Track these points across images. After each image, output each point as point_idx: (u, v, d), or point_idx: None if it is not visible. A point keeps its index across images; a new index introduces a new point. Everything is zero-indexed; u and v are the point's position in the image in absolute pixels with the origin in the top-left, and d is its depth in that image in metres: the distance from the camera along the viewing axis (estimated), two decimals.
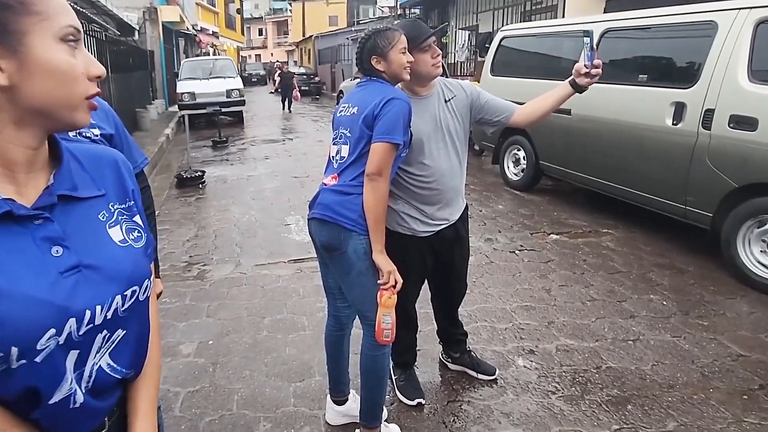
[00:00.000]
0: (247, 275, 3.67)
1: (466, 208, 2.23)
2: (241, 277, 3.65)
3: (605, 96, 4.32)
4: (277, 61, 30.75)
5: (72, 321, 0.67)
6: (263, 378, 2.46)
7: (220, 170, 7.37)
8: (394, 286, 1.77)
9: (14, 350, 0.62)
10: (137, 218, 0.81)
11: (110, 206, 0.77)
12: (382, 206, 1.73)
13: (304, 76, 22.43)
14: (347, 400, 2.12)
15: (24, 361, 0.64)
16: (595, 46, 1.90)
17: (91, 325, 0.69)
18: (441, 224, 2.11)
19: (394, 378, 2.36)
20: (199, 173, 6.56)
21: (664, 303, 3.14)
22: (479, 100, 2.12)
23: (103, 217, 0.76)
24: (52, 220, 0.69)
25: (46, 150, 0.72)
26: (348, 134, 1.78)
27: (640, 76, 4.19)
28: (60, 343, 0.66)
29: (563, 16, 8.67)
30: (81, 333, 0.68)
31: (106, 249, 0.74)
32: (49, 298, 0.65)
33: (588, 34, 1.90)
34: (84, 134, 1.38)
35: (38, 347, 0.64)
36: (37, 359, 0.65)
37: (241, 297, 3.32)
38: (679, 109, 3.73)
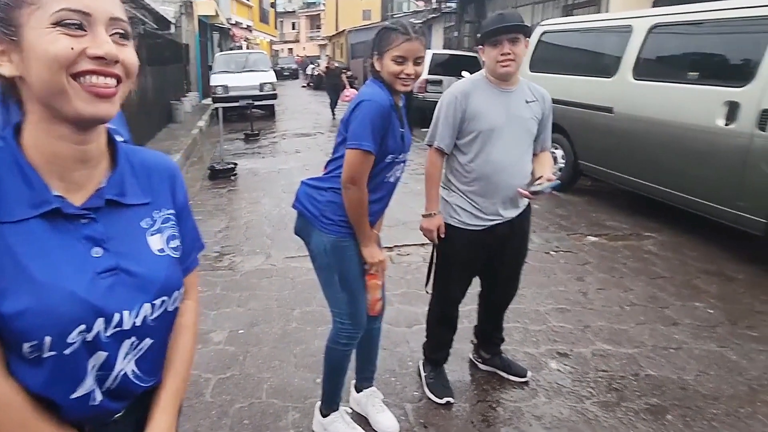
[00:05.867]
0: (277, 267, 3.69)
1: (529, 206, 2.18)
2: (271, 268, 3.68)
3: (651, 94, 4.14)
4: (298, 55, 28.76)
5: (100, 321, 0.69)
6: (292, 368, 2.46)
7: (252, 163, 7.45)
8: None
9: (47, 340, 0.66)
10: (178, 229, 0.82)
11: (154, 213, 0.79)
12: (361, 209, 1.68)
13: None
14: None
15: (54, 352, 0.67)
16: (551, 191, 2.01)
17: (119, 329, 0.71)
18: (494, 220, 2.07)
19: (423, 375, 2.32)
20: (231, 165, 6.64)
21: (711, 311, 2.98)
22: (546, 116, 2.12)
23: (145, 225, 0.77)
24: (97, 221, 0.71)
25: (99, 149, 0.73)
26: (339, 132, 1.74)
27: (690, 73, 3.99)
28: (88, 340, 0.69)
29: (607, 11, 8.37)
30: (108, 335, 0.70)
31: (143, 256, 0.75)
32: (84, 295, 0.68)
33: (556, 186, 2.00)
34: None
35: (68, 340, 0.67)
36: (66, 352, 0.67)
37: (271, 288, 3.34)
38: (733, 109, 3.53)
